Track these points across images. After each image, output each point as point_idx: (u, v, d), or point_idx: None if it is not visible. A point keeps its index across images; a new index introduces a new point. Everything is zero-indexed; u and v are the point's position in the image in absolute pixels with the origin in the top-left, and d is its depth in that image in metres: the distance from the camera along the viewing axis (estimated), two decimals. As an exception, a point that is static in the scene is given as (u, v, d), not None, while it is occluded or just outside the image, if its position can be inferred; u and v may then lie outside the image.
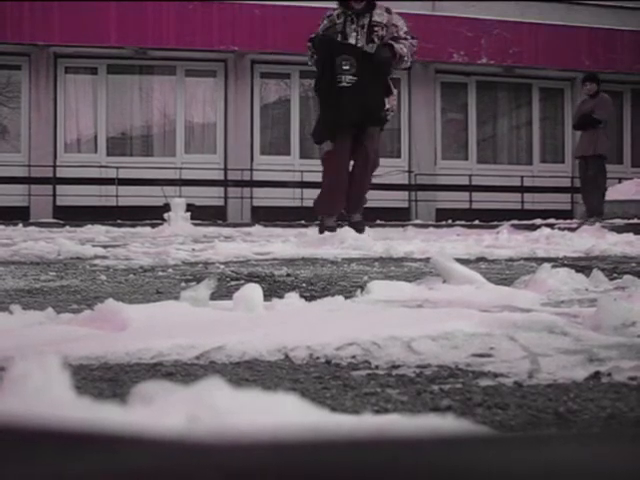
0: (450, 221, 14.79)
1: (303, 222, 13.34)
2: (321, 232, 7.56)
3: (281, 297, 2.53)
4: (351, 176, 7.78)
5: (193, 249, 6.07)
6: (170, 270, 4.34)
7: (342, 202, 7.92)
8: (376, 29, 7.20)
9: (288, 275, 4.00)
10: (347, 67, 7.21)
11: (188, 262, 4.98)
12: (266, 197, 16.42)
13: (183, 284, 3.53)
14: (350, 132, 7.56)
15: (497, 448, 0.52)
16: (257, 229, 11.10)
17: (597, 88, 12.59)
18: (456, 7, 17.13)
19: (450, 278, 2.85)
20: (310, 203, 16.60)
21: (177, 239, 7.99)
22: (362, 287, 2.93)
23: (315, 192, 15.79)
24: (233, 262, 4.98)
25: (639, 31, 17.92)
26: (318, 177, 8.27)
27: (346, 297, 2.66)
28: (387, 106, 7.59)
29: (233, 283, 3.58)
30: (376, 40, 7.24)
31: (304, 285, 3.58)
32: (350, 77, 7.20)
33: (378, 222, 13.25)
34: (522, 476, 0.45)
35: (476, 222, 14.54)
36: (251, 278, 3.76)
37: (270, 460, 0.45)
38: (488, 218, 15.16)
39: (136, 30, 15.87)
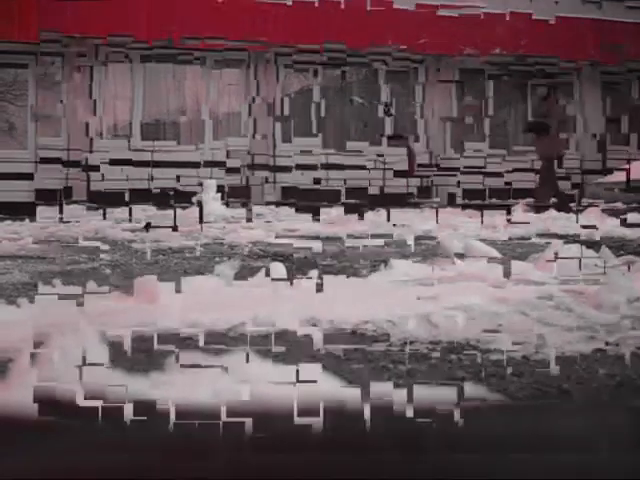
0: (466, 201, 14.68)
1: (326, 203, 13.26)
2: None
3: (305, 274, 2.62)
4: None
5: (224, 227, 6.14)
6: (201, 249, 4.42)
7: None
8: None
9: (313, 253, 4.07)
10: None
11: (218, 241, 5.06)
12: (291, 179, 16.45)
13: (217, 259, 3.62)
14: None
15: (508, 415, 0.58)
16: (284, 209, 11.13)
17: (547, 91, 12.68)
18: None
19: (467, 253, 2.90)
20: (334, 184, 16.49)
21: (208, 218, 7.99)
22: (385, 262, 3.00)
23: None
24: (260, 242, 5.04)
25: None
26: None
27: (367, 274, 2.74)
28: None
29: (260, 263, 3.67)
30: None
31: (327, 262, 3.66)
32: None
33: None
34: (531, 440, 0.51)
35: (491, 201, 14.45)
36: (276, 257, 3.84)
37: (292, 429, 0.52)
38: (502, 198, 15.04)
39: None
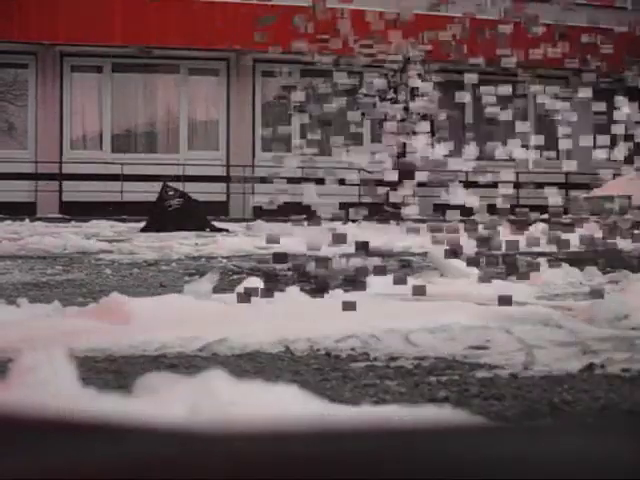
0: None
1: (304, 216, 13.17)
2: None
3: (282, 291, 2.55)
4: None
5: (196, 243, 6.04)
6: (174, 264, 4.35)
7: None
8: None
9: (289, 269, 4.00)
10: None
11: (191, 256, 4.97)
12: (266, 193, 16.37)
13: (187, 277, 3.56)
14: None
15: (493, 438, 0.53)
16: (258, 224, 11.07)
17: None
18: (455, 8, 17.12)
19: (447, 272, 2.86)
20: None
21: (180, 234, 7.85)
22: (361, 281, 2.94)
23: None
24: (236, 257, 4.96)
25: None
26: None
27: (345, 291, 2.68)
28: None
29: (235, 277, 3.60)
30: None
31: (304, 279, 3.60)
32: None
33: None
34: (518, 465, 0.47)
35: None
36: (253, 272, 3.77)
37: (270, 450, 0.47)
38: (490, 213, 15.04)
39: (140, 29, 15.89)
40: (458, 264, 2.88)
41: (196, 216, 9.25)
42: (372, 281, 2.82)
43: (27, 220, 10.85)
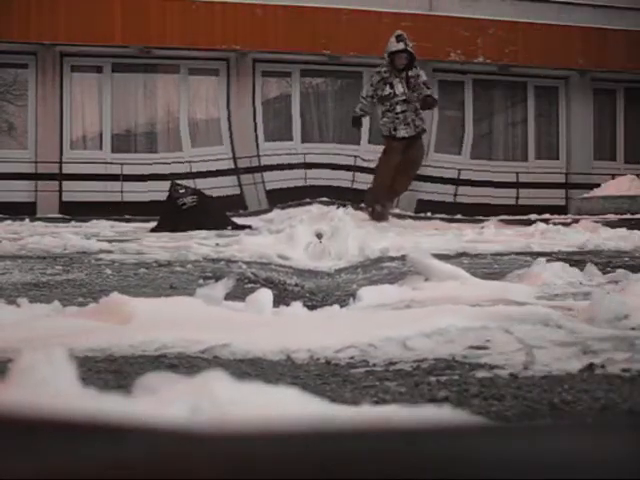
0: (430, 213, 14.67)
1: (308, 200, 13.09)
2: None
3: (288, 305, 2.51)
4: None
5: (217, 244, 5.73)
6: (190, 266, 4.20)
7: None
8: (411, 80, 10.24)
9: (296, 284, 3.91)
10: None
11: (210, 258, 4.73)
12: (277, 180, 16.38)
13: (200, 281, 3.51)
14: None
15: (493, 438, 0.53)
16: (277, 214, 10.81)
17: None
18: (452, 7, 17.15)
19: (431, 275, 2.79)
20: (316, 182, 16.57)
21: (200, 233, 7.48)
22: (353, 295, 2.88)
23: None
24: (257, 263, 4.62)
25: (631, 30, 17.89)
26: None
27: (341, 306, 2.65)
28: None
29: (249, 286, 3.53)
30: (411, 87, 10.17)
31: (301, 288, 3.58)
32: None
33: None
34: (518, 465, 0.47)
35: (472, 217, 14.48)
36: (267, 283, 3.68)
37: (271, 450, 0.47)
38: (483, 213, 15.02)
39: (140, 29, 15.90)
40: (442, 266, 2.82)
41: (213, 214, 8.69)
42: (361, 293, 2.76)
43: (27, 220, 10.85)
